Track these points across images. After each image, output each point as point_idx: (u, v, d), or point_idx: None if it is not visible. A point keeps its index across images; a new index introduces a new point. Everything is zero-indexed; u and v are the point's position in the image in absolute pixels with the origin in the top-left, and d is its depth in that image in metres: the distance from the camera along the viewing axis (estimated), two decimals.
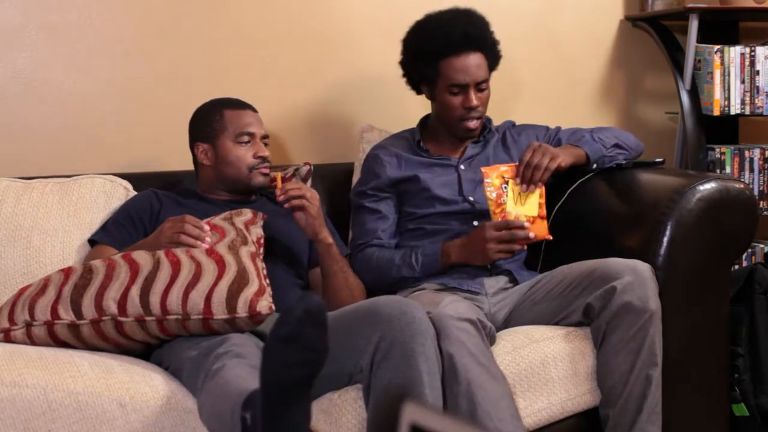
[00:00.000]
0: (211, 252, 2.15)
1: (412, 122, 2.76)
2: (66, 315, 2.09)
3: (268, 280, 2.17)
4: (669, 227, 2.37)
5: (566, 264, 2.42)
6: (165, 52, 2.93)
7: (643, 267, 2.27)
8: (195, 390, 1.98)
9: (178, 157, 2.71)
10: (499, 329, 2.36)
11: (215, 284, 2.08)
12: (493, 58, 2.64)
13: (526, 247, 2.45)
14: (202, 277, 2.09)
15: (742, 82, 3.23)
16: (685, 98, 3.25)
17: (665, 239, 2.37)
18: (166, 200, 2.53)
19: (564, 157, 2.50)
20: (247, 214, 2.33)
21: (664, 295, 2.28)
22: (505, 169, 2.44)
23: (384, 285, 2.52)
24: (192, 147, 2.59)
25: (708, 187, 2.41)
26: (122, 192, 2.63)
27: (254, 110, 2.60)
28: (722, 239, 2.43)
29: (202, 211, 2.42)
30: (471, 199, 2.59)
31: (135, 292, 2.08)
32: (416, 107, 2.83)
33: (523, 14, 3.29)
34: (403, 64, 2.70)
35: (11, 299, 2.16)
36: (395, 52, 2.70)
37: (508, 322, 2.44)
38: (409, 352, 1.98)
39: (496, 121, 2.78)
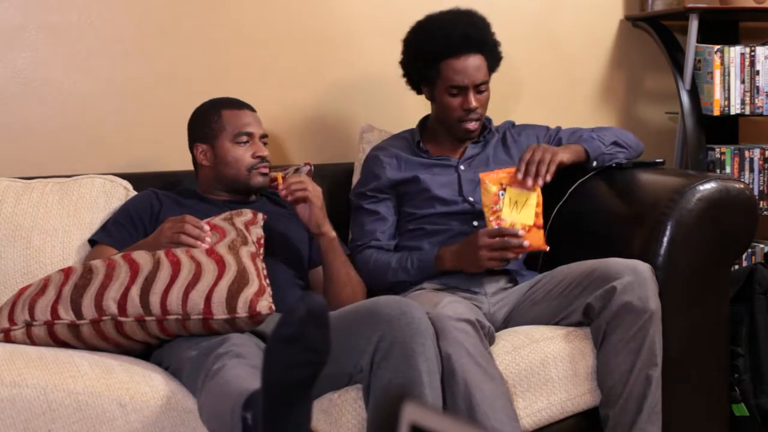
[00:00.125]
0: (211, 252, 2.15)
1: (412, 122, 2.76)
2: (66, 315, 2.09)
3: (268, 280, 2.17)
4: (669, 227, 2.37)
5: (566, 264, 2.42)
6: (165, 52, 2.93)
7: (643, 267, 2.27)
8: (195, 390, 1.98)
9: (178, 157, 2.71)
10: (498, 329, 2.36)
11: (215, 284, 2.08)
12: (493, 59, 2.64)
13: (520, 256, 2.43)
14: (202, 277, 2.10)
15: (742, 82, 3.24)
16: (685, 98, 3.25)
17: (665, 239, 2.37)
18: (166, 200, 2.53)
19: (564, 154, 2.50)
20: (247, 214, 2.33)
21: (664, 295, 2.28)
22: (503, 175, 2.41)
23: (381, 287, 2.52)
24: (191, 148, 2.59)
25: (708, 187, 2.41)
26: (122, 192, 2.63)
27: (252, 110, 2.60)
28: (722, 239, 2.43)
29: (202, 211, 2.42)
30: (471, 199, 2.59)
31: (135, 292, 2.08)
32: (416, 107, 2.83)
33: (523, 14, 3.29)
34: (404, 64, 2.70)
35: (11, 299, 2.16)
36: (395, 52, 2.70)
37: (508, 322, 2.44)
38: (409, 352, 1.98)
39: (496, 121, 2.78)
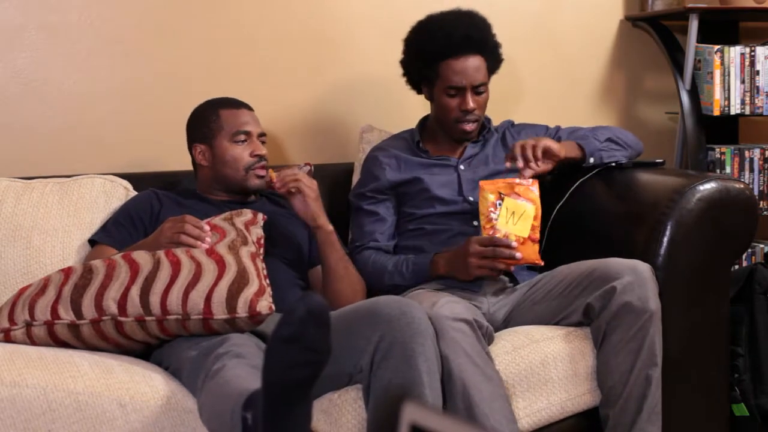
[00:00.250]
0: (211, 252, 2.15)
1: (412, 123, 2.76)
2: (66, 315, 2.09)
3: (268, 280, 2.17)
4: (669, 227, 2.37)
5: (566, 264, 2.42)
6: (165, 52, 2.93)
7: (643, 267, 2.27)
8: (195, 390, 1.98)
9: (178, 157, 2.71)
10: (498, 329, 2.36)
11: (215, 284, 2.08)
12: (493, 61, 2.64)
13: (512, 268, 2.42)
14: (202, 277, 2.09)
15: (742, 82, 3.24)
16: (685, 98, 3.25)
17: (665, 239, 2.37)
18: (167, 200, 2.53)
19: (551, 142, 2.48)
20: (247, 214, 2.33)
21: (664, 295, 2.28)
22: (503, 185, 2.37)
23: (379, 289, 2.52)
24: (190, 148, 2.59)
25: (708, 187, 2.41)
26: (122, 192, 2.63)
27: (250, 109, 2.60)
28: (722, 239, 2.43)
29: (202, 211, 2.42)
30: (471, 199, 2.59)
31: (135, 292, 2.08)
32: (416, 108, 2.83)
33: (523, 14, 3.29)
34: (404, 63, 2.70)
35: (11, 299, 2.16)
36: (395, 52, 2.70)
37: (508, 322, 2.44)
38: (409, 352, 1.98)
39: (496, 122, 2.78)
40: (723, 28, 3.42)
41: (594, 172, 2.62)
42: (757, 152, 3.27)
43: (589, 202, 2.61)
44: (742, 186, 2.48)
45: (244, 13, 3.00)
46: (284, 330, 1.63)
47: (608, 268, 2.28)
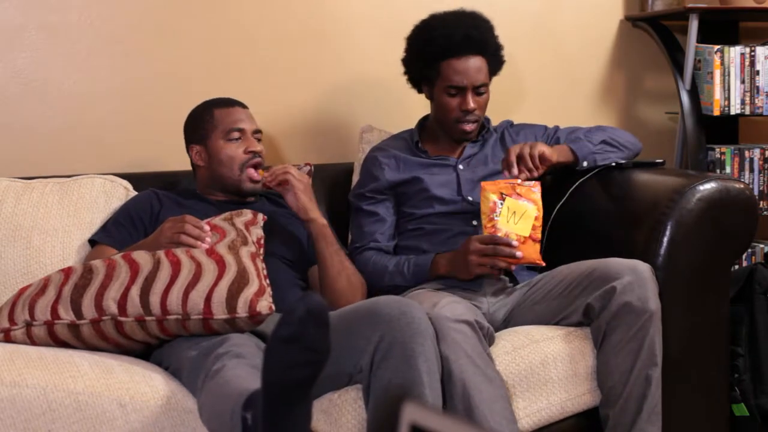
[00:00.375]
0: (211, 252, 2.16)
1: (412, 122, 2.76)
2: (66, 315, 2.09)
3: (268, 281, 2.17)
4: (669, 227, 2.37)
5: (566, 264, 2.42)
6: (165, 52, 2.93)
7: (643, 267, 2.27)
8: (195, 390, 1.98)
9: (178, 157, 2.71)
10: (498, 329, 2.36)
11: (215, 284, 2.08)
12: (495, 62, 2.64)
13: (513, 267, 2.42)
14: (202, 277, 2.09)
15: (742, 82, 3.24)
16: (685, 98, 3.25)
17: (665, 239, 2.37)
18: (167, 200, 2.53)
19: (545, 147, 2.49)
20: (247, 214, 2.33)
21: (664, 295, 2.28)
22: (504, 185, 2.38)
23: (379, 289, 2.52)
24: (187, 150, 2.60)
25: (708, 187, 2.41)
26: (122, 192, 2.63)
27: (244, 106, 2.60)
28: (722, 239, 2.43)
29: (202, 211, 2.42)
30: (470, 198, 2.59)
31: (135, 292, 2.08)
32: (416, 108, 2.83)
33: (523, 14, 3.29)
34: (405, 62, 2.69)
35: (11, 299, 2.16)
36: (395, 52, 2.70)
37: (508, 322, 2.44)
38: (409, 352, 1.98)
39: (495, 121, 2.78)
40: (723, 28, 3.42)
41: (594, 172, 2.62)
42: (757, 152, 3.27)
43: (588, 202, 2.61)
44: (742, 186, 2.48)
45: (244, 13, 3.00)
46: (284, 330, 1.63)
47: (608, 268, 2.28)
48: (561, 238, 2.56)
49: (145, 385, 2.01)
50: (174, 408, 1.99)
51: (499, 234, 2.34)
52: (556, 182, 2.60)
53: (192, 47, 2.95)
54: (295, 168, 2.48)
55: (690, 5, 3.18)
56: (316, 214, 2.44)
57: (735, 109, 3.23)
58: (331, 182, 2.86)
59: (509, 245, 2.33)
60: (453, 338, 2.09)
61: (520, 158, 2.45)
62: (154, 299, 2.08)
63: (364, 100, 3.11)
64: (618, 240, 2.49)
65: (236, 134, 2.53)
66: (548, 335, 2.30)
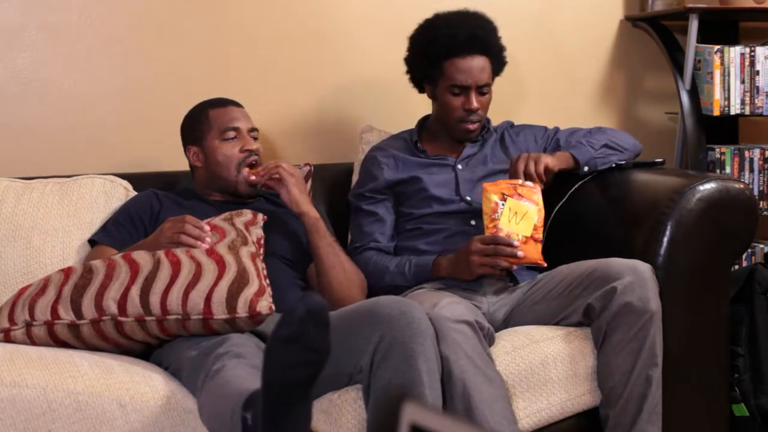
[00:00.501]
0: (211, 252, 2.16)
1: (412, 122, 2.76)
2: (66, 315, 2.09)
3: (268, 281, 2.17)
4: (669, 227, 2.37)
5: (566, 264, 2.42)
6: (165, 52, 2.93)
7: (644, 267, 2.27)
8: (195, 390, 1.98)
9: (177, 157, 2.70)
10: (498, 329, 2.36)
11: (215, 284, 2.08)
12: (498, 63, 2.64)
13: (514, 267, 2.42)
14: (202, 277, 2.10)
15: (742, 82, 3.24)
16: (685, 98, 3.25)
17: (665, 239, 2.37)
18: (166, 201, 2.53)
19: (548, 158, 2.51)
20: (247, 214, 2.33)
21: (664, 295, 2.28)
22: (506, 186, 2.39)
23: (379, 289, 2.52)
24: (185, 151, 2.60)
25: (708, 187, 2.41)
26: (122, 192, 2.63)
27: (239, 105, 2.60)
28: (722, 239, 2.43)
29: (202, 211, 2.42)
30: (468, 198, 2.59)
31: (135, 292, 2.08)
32: (416, 107, 2.83)
33: (523, 14, 3.29)
34: (408, 61, 2.69)
35: (11, 299, 2.16)
36: (395, 52, 2.70)
37: (508, 322, 2.44)
38: (409, 352, 1.98)
39: (496, 121, 2.78)
40: (723, 28, 3.42)
41: (590, 175, 2.62)
42: (757, 152, 3.27)
43: (589, 202, 2.61)
44: (742, 186, 2.48)
45: (244, 13, 3.00)
46: (284, 330, 1.63)
47: (609, 268, 2.28)
48: (561, 238, 2.56)
49: (145, 385, 2.01)
50: (174, 408, 1.99)
51: (501, 234, 2.35)
52: (556, 183, 2.60)
53: (192, 47, 2.95)
54: (290, 165, 2.49)
55: (690, 5, 3.18)
56: (308, 207, 2.45)
57: (735, 109, 3.23)
58: (331, 182, 2.86)
59: (511, 245, 2.33)
60: (453, 338, 2.09)
61: (526, 175, 2.47)
62: (154, 299, 2.08)
63: (364, 100, 3.11)
64: (618, 240, 2.49)
65: (232, 133, 2.53)
66: (548, 335, 2.30)
